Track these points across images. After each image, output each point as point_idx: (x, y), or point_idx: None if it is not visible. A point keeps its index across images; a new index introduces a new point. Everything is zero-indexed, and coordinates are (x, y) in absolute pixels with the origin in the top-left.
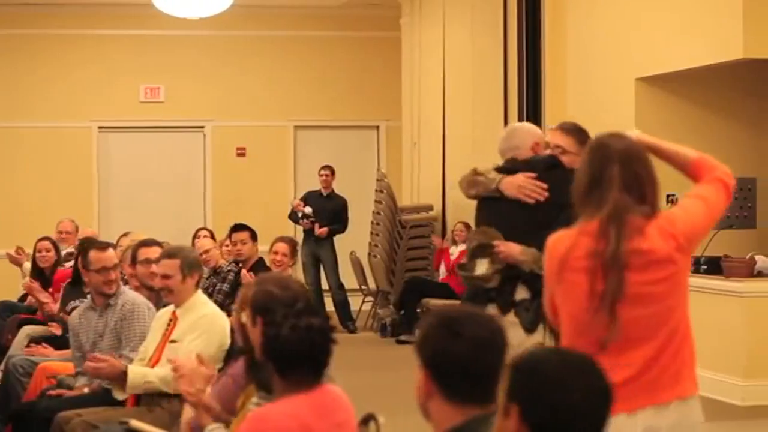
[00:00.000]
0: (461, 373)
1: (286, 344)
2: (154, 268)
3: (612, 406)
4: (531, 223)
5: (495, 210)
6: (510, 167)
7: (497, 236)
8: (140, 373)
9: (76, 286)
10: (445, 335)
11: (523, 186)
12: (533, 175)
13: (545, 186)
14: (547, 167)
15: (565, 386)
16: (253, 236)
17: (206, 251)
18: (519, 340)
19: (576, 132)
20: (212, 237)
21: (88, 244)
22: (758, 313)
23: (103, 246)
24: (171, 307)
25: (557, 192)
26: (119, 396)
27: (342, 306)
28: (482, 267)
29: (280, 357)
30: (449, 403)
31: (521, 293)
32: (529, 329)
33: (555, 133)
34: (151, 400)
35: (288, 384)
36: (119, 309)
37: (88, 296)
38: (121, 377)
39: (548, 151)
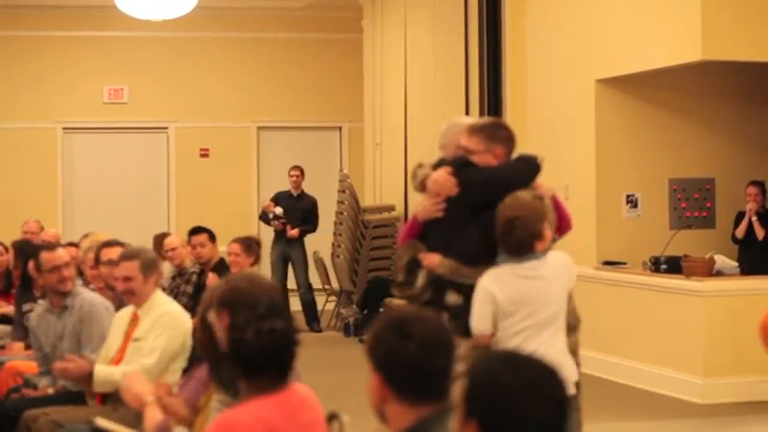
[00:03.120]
0: (413, 373)
1: (249, 349)
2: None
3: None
4: (445, 219)
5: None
6: (439, 165)
7: (421, 248)
8: (106, 371)
9: (26, 289)
10: (395, 337)
11: (436, 180)
12: (450, 170)
13: (455, 182)
14: (462, 165)
15: (522, 400)
16: (212, 238)
17: (173, 249)
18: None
19: (481, 131)
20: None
21: (28, 250)
22: (717, 312)
23: (52, 246)
24: (131, 307)
25: (462, 191)
26: (91, 402)
27: (309, 306)
28: (422, 278)
29: (245, 362)
30: (403, 404)
31: (452, 298)
32: (463, 335)
33: (462, 134)
34: (117, 398)
35: (254, 387)
36: (77, 311)
37: (40, 300)
38: (87, 377)
39: (460, 152)
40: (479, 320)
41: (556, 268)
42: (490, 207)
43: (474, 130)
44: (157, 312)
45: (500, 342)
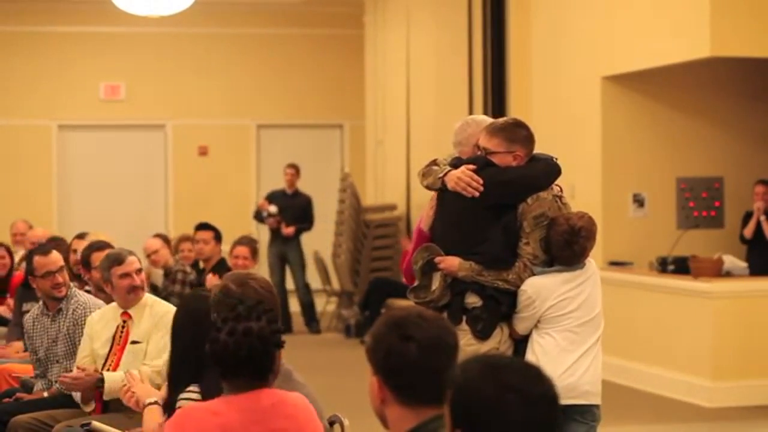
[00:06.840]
0: (413, 375)
1: (224, 348)
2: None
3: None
4: (462, 219)
5: (441, 202)
6: (455, 164)
7: (438, 251)
8: (117, 378)
9: (28, 289)
10: (395, 339)
11: (461, 178)
12: (473, 167)
13: (481, 181)
14: (484, 164)
15: (507, 405)
16: (217, 236)
17: (155, 251)
18: (472, 348)
19: (502, 131)
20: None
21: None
22: (726, 313)
23: (46, 250)
24: (114, 309)
25: (484, 191)
26: (87, 408)
27: (308, 307)
28: (436, 281)
29: (219, 361)
30: (404, 407)
31: (472, 300)
32: (482, 337)
33: (481, 134)
34: (119, 406)
35: (229, 386)
36: (71, 314)
37: (41, 302)
38: (95, 386)
39: (478, 153)
40: (524, 330)
41: (594, 272)
42: (509, 208)
43: (494, 131)
44: (156, 312)
45: (550, 342)
